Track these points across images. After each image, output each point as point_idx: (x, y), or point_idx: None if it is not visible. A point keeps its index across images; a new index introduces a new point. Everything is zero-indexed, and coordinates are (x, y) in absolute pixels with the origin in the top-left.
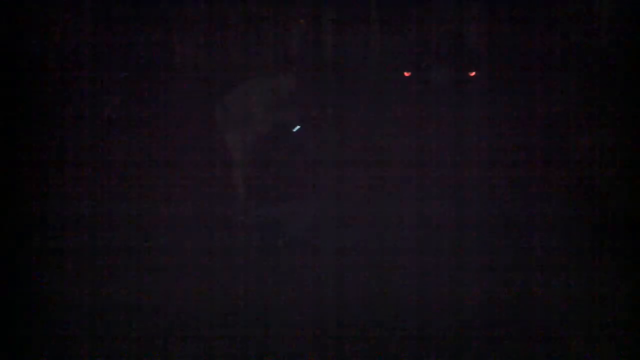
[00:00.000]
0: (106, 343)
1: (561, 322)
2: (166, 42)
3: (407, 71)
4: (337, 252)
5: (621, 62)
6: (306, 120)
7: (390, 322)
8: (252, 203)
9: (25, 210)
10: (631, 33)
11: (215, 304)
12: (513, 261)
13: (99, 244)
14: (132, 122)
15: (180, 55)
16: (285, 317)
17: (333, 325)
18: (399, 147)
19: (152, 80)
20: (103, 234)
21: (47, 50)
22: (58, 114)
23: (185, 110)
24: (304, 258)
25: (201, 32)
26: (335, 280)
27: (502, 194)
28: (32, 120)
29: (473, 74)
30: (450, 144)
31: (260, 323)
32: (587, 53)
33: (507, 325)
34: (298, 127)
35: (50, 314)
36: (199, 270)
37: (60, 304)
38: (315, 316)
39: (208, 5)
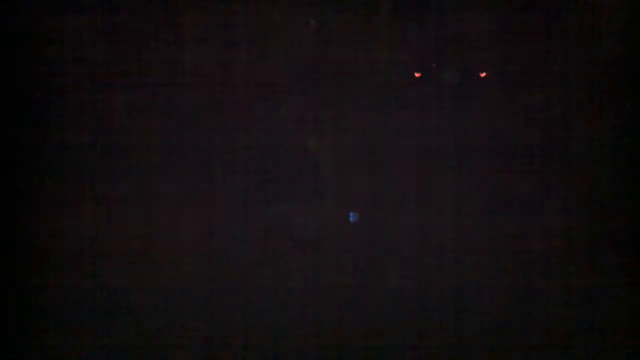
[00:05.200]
0: (106, 346)
1: (561, 323)
2: (173, 44)
3: (417, 72)
4: (340, 253)
5: (626, 63)
6: (312, 122)
7: (392, 326)
8: (259, 204)
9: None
10: (638, 34)
11: (217, 305)
12: (513, 262)
13: (99, 245)
14: (136, 124)
15: (187, 58)
16: (288, 319)
17: (335, 330)
18: (407, 148)
19: (158, 83)
20: (103, 235)
21: (50, 49)
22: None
23: (190, 114)
24: (311, 259)
25: (209, 33)
26: (338, 283)
27: (505, 194)
28: (32, 122)
29: (484, 74)
30: (455, 145)
31: (262, 325)
32: (592, 54)
33: (508, 329)
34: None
35: (50, 315)
36: (202, 271)
37: (59, 304)
38: (317, 320)
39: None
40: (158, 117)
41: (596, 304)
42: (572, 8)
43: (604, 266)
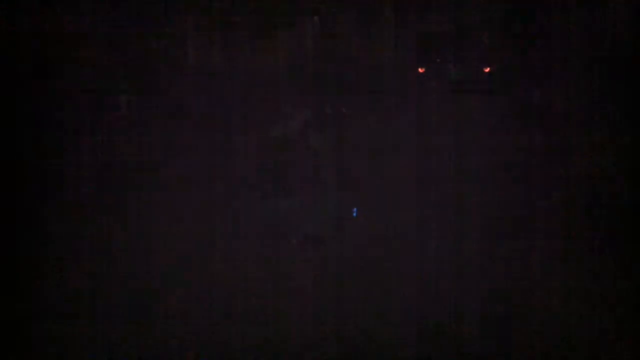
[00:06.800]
0: (109, 344)
1: (561, 321)
2: (176, 39)
3: (421, 67)
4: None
5: (627, 61)
6: (318, 117)
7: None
8: (262, 199)
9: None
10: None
11: (219, 302)
12: (513, 259)
13: (103, 242)
14: (140, 120)
15: (190, 53)
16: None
17: (335, 324)
18: (411, 143)
19: (162, 78)
20: (108, 231)
21: (52, 47)
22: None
23: (194, 109)
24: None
25: (212, 28)
26: (338, 279)
27: (507, 192)
28: (35, 120)
29: (487, 69)
30: (456, 142)
31: (262, 321)
32: (594, 52)
33: (508, 327)
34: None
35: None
36: (205, 266)
37: (61, 305)
38: (317, 315)
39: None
40: (160, 114)
41: (596, 302)
42: None
43: (605, 265)
